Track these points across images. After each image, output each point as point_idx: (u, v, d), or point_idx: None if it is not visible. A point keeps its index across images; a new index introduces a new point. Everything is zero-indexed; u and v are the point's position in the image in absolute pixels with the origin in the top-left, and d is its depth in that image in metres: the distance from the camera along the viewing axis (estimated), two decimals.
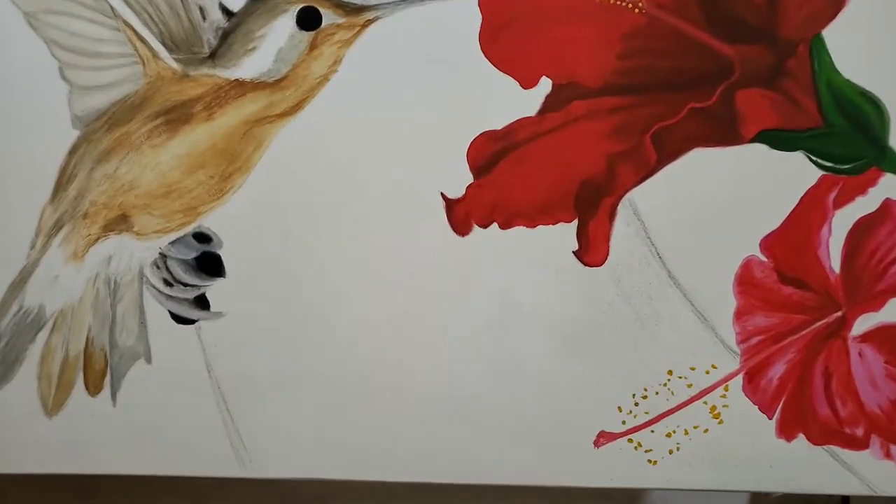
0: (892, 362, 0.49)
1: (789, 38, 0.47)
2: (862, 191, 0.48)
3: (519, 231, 0.49)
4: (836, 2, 0.46)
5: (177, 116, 0.48)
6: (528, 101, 0.48)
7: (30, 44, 0.48)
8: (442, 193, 0.49)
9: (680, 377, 0.50)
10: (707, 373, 0.50)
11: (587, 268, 0.49)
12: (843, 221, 0.48)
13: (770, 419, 0.50)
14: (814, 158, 0.48)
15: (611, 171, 0.48)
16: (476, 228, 0.49)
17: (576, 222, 0.49)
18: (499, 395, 0.51)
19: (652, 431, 0.50)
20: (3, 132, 0.49)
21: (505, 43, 0.47)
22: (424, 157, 0.49)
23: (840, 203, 0.48)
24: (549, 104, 0.48)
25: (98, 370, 0.51)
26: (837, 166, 0.48)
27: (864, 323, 0.49)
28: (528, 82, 0.48)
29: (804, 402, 0.50)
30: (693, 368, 0.50)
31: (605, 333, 0.50)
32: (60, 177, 0.49)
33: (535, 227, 0.49)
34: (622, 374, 0.50)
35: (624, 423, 0.50)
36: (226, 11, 0.48)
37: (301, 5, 0.47)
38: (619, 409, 0.50)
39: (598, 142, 0.48)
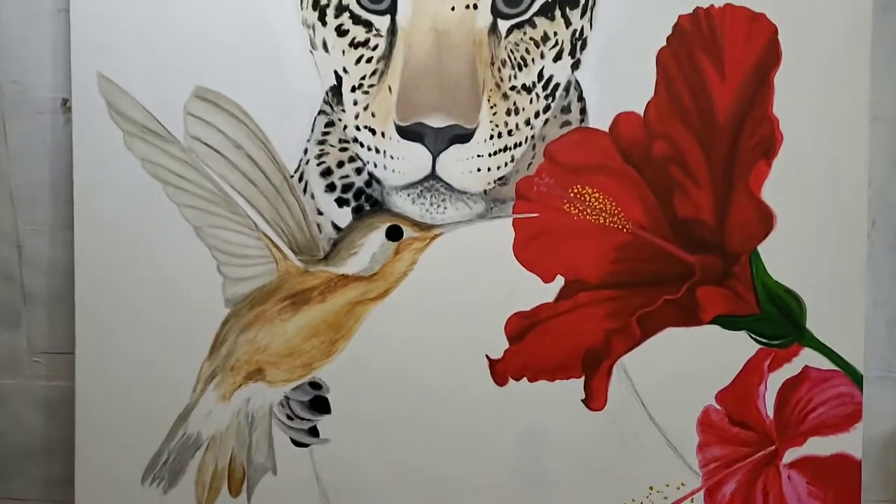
0: (813, 483, 0.64)
1: (735, 250, 0.63)
2: (788, 360, 0.64)
3: (542, 383, 0.64)
4: (767, 227, 0.63)
5: (299, 299, 0.65)
6: (547, 292, 0.64)
7: (197, 249, 0.65)
8: (487, 355, 0.65)
9: (658, 491, 0.65)
10: (678, 488, 0.65)
11: (591, 411, 0.65)
12: (775, 381, 0.64)
13: None
14: (753, 336, 0.64)
15: (607, 343, 0.64)
16: (511, 381, 0.65)
17: (583, 378, 0.64)
18: (529, 500, 0.65)
19: None
20: (176, 310, 0.66)
21: (531, 251, 0.64)
22: (474, 329, 0.64)
23: (772, 368, 0.64)
24: (563, 294, 0.64)
25: (238, 479, 0.67)
26: (770, 342, 0.64)
27: (791, 455, 0.64)
28: (547, 278, 0.64)
29: None
30: (667, 485, 0.65)
31: (604, 458, 0.65)
32: (215, 341, 0.66)
33: (554, 380, 0.64)
34: (617, 488, 0.65)
35: None
36: (335, 227, 0.65)
37: (389, 224, 0.64)
38: None
39: (598, 321, 0.64)
